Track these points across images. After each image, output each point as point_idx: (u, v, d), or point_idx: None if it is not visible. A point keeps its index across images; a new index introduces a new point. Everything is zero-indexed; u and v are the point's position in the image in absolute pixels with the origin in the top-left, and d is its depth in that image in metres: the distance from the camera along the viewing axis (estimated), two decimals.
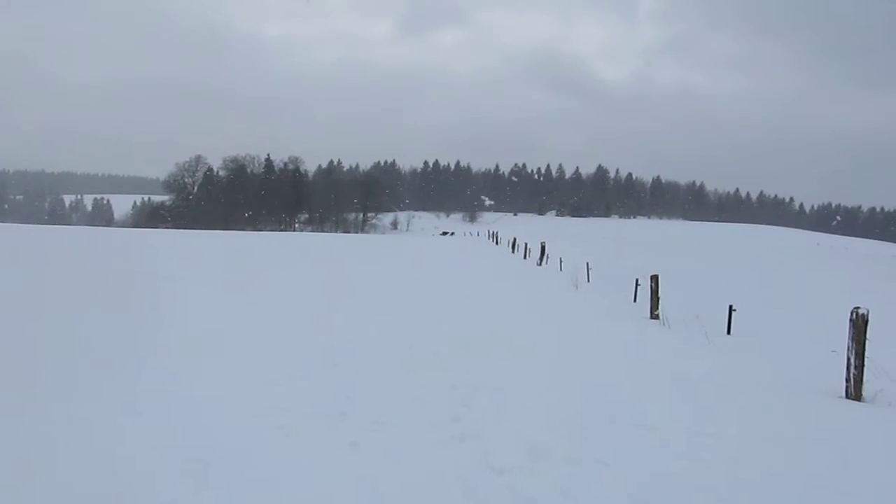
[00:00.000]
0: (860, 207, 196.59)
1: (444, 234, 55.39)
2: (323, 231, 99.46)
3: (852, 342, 7.39)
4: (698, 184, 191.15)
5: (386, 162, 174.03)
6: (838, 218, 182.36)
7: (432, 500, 4.11)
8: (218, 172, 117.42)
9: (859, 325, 7.37)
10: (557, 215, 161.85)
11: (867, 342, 7.36)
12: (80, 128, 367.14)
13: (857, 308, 7.43)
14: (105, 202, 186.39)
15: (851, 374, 7.44)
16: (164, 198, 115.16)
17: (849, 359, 7.46)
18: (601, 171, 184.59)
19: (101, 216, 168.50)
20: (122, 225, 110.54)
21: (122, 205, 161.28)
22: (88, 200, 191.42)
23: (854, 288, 27.19)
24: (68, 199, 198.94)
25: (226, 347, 8.49)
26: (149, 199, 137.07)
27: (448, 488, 4.26)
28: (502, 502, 4.12)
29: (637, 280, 17.11)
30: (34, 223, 69.54)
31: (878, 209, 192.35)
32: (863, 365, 7.37)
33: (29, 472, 4.14)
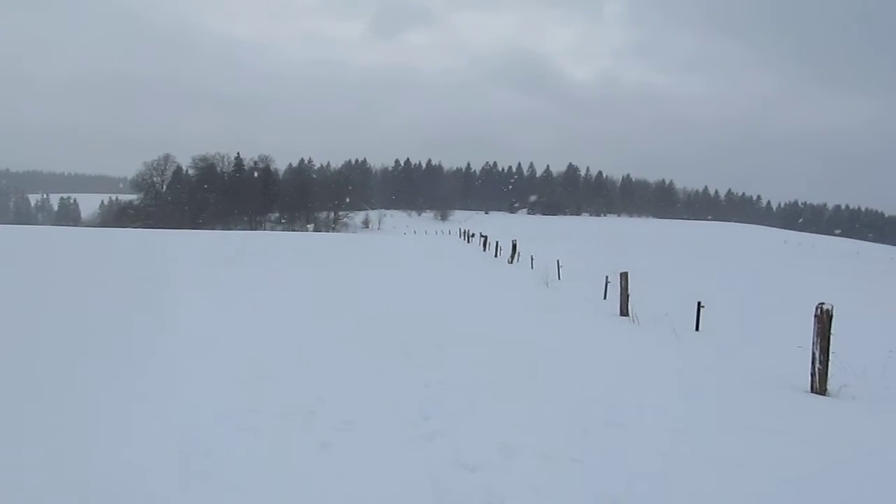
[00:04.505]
0: (826, 205, 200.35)
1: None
2: (293, 230, 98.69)
3: (817, 337, 7.51)
4: (667, 182, 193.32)
5: (357, 160, 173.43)
6: (803, 216, 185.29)
7: (405, 497, 4.10)
8: (187, 171, 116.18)
9: (824, 320, 7.49)
10: (529, 213, 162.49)
11: (832, 337, 7.48)
12: (46, 125, 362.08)
13: (822, 304, 7.55)
14: (72, 201, 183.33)
15: (816, 369, 7.56)
16: (131, 197, 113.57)
17: (814, 354, 7.57)
18: (572, 170, 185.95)
19: (68, 216, 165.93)
20: (90, 224, 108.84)
21: (90, 204, 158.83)
22: (55, 199, 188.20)
23: (823, 284, 27.65)
24: (34, 198, 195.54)
25: (192, 347, 8.37)
26: (116, 198, 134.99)
27: (419, 485, 4.25)
28: (473, 499, 4.11)
29: (607, 277, 17.22)
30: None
31: (842, 207, 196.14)
32: (827, 360, 7.50)
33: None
